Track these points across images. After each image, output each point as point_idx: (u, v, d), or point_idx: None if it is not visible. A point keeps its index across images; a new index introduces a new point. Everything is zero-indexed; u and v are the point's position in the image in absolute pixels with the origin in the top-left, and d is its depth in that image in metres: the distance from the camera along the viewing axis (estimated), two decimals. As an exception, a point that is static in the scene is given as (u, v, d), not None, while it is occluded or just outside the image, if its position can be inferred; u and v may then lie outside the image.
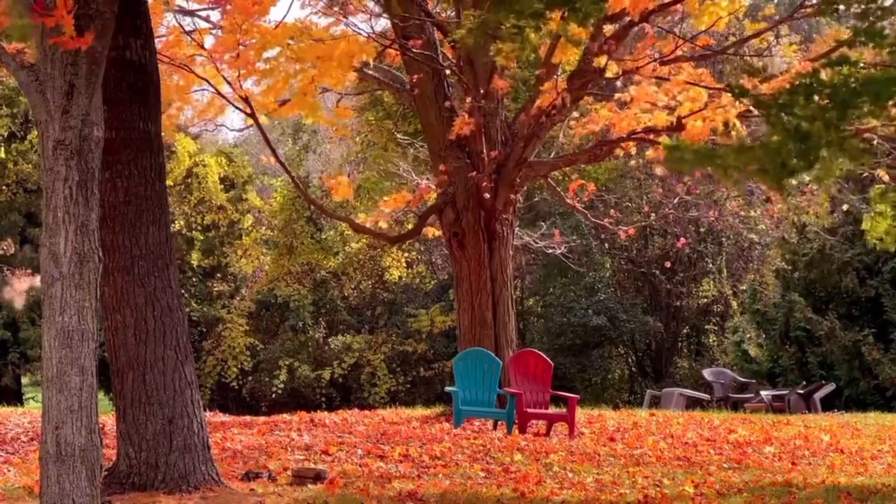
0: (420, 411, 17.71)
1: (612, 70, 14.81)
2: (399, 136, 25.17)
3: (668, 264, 29.28)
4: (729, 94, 14.30)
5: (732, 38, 19.86)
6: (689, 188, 22.30)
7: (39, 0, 6.74)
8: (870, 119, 6.10)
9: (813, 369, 25.71)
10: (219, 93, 14.53)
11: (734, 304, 32.74)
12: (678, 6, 14.76)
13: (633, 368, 34.15)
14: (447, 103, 16.19)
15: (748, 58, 16.60)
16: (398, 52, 16.41)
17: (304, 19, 14.98)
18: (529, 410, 14.58)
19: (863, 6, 6.00)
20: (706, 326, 33.95)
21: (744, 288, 31.51)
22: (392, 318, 33.71)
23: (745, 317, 29.77)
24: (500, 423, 14.66)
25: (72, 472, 6.85)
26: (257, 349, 32.37)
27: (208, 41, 14.31)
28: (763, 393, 23.47)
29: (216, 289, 33.72)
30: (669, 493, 9.83)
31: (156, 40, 10.42)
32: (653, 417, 17.13)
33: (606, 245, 32.51)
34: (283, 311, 32.98)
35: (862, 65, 5.92)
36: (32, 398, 37.45)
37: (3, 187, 32.29)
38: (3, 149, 31.57)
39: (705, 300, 33.24)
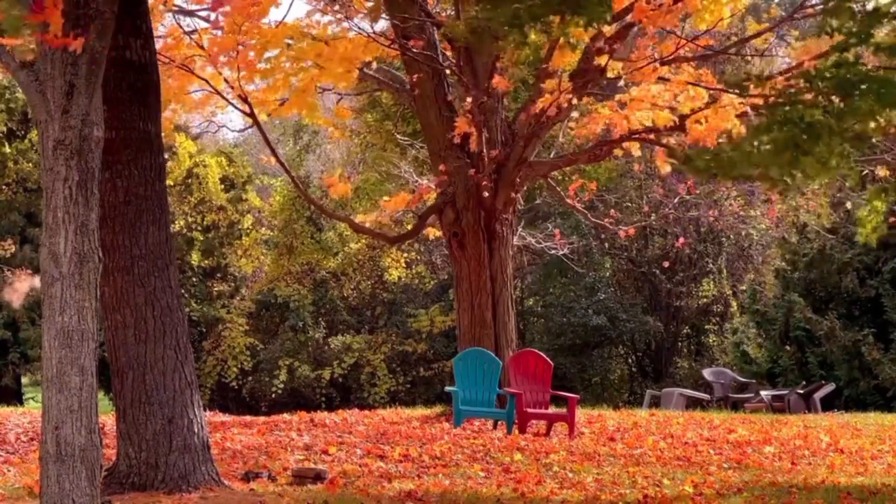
0: (420, 411, 17.71)
1: (613, 70, 14.81)
2: (399, 136, 25.18)
3: (667, 264, 29.28)
4: (729, 95, 14.32)
5: (734, 38, 19.85)
6: (689, 188, 22.29)
7: (38, 1, 6.73)
8: (869, 120, 6.10)
9: (813, 369, 25.70)
10: (218, 93, 14.52)
11: (734, 304, 32.75)
12: (679, 5, 14.75)
13: (633, 368, 34.16)
14: (448, 99, 16.19)
15: (749, 57, 16.60)
16: (398, 52, 16.41)
17: (304, 19, 14.98)
18: (529, 410, 14.58)
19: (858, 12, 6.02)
20: (706, 326, 33.95)
21: (744, 288, 31.51)
22: (392, 318, 33.72)
23: (744, 317, 29.76)
24: (500, 423, 14.66)
25: (72, 472, 6.85)
26: (257, 349, 32.38)
27: (208, 41, 14.29)
28: (763, 393, 23.47)
29: (216, 289, 33.73)
30: (669, 493, 9.83)
31: (155, 41, 10.42)
32: (653, 417, 17.13)
33: (606, 245, 32.51)
34: (283, 311, 32.99)
35: (862, 65, 5.93)
36: (32, 398, 37.44)
37: (3, 186, 32.28)
38: (6, 145, 31.52)
39: (705, 300, 33.24)
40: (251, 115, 14.39)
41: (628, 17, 14.53)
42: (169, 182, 28.07)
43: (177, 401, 9.15)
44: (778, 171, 5.92)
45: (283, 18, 13.67)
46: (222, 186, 34.03)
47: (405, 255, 33.80)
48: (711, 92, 14.80)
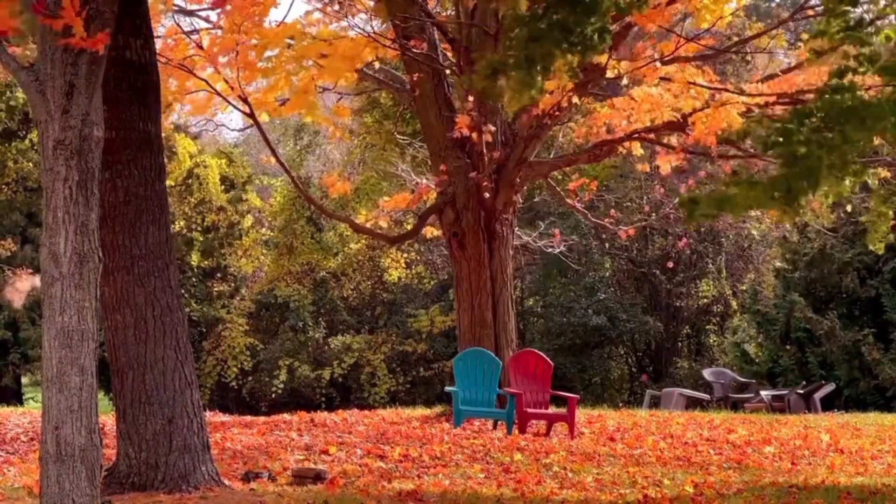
0: (420, 411, 17.71)
1: (613, 69, 14.81)
2: (398, 136, 25.18)
3: (669, 264, 29.27)
4: (730, 94, 14.33)
5: (734, 38, 19.85)
6: (689, 188, 22.26)
7: (41, 0, 6.74)
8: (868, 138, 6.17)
9: (813, 369, 25.70)
10: (218, 93, 14.52)
11: (734, 304, 32.74)
12: (677, 5, 14.76)
13: (633, 368, 34.15)
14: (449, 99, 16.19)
15: (749, 57, 16.62)
16: (398, 52, 16.41)
17: (304, 17, 14.98)
18: (529, 410, 14.58)
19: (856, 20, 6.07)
20: (706, 326, 33.95)
21: (744, 288, 31.51)
22: (392, 318, 33.72)
23: (745, 317, 29.76)
24: (500, 423, 14.65)
25: (72, 472, 6.85)
26: (257, 349, 32.38)
27: (208, 42, 14.30)
28: (763, 393, 23.46)
29: (216, 289, 33.73)
30: (669, 493, 9.83)
31: (155, 41, 10.42)
32: (653, 417, 17.12)
33: (606, 245, 32.50)
34: (283, 311, 33.00)
35: (859, 89, 5.99)
36: (32, 398, 37.44)
37: (3, 186, 32.28)
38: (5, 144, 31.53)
39: (705, 300, 33.24)
40: (251, 115, 14.39)
41: (628, 18, 14.52)
42: (169, 182, 28.07)
43: (177, 401, 9.15)
44: (778, 206, 6.02)
45: (284, 18, 13.67)
46: (222, 187, 34.04)
47: (405, 255, 33.79)
48: (712, 91, 14.81)
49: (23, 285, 26.26)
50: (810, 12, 15.97)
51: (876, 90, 6.29)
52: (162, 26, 14.76)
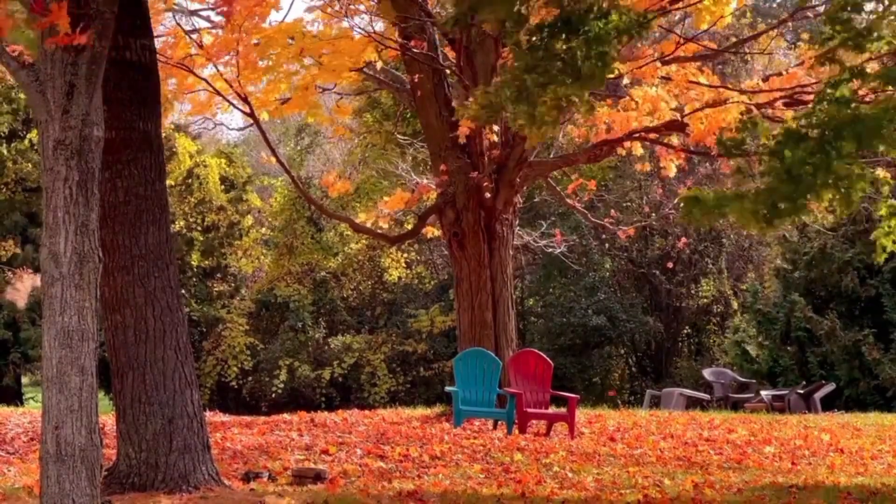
0: (420, 411, 17.71)
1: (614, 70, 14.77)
2: (398, 136, 25.19)
3: (669, 264, 29.26)
4: (731, 92, 14.33)
5: (733, 39, 19.85)
6: (689, 188, 22.24)
7: (39, 0, 6.74)
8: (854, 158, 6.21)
9: (813, 369, 25.70)
10: (218, 93, 14.52)
11: (734, 303, 32.74)
12: (679, 5, 14.75)
13: (633, 368, 34.16)
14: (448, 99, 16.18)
15: (749, 57, 16.61)
16: (398, 52, 16.40)
17: (306, 14, 15.00)
18: (529, 410, 14.57)
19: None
20: (706, 326, 33.95)
21: (744, 288, 31.50)
22: (392, 318, 33.73)
23: (745, 317, 29.74)
24: (500, 423, 14.65)
25: (72, 472, 6.85)
26: (257, 349, 32.39)
27: (208, 41, 14.29)
28: (763, 393, 23.46)
29: (216, 289, 33.74)
30: (669, 493, 9.83)
31: (155, 41, 10.42)
32: (653, 417, 17.12)
33: (606, 245, 32.51)
34: (283, 311, 33.00)
35: (856, 101, 6.02)
36: (32, 398, 37.44)
37: (3, 186, 32.28)
38: (4, 146, 31.53)
39: (705, 300, 33.24)
40: (251, 114, 14.39)
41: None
42: (169, 182, 28.09)
43: (177, 401, 9.14)
44: (759, 222, 6.06)
45: (284, 18, 13.67)
46: (222, 187, 34.05)
47: (405, 255, 33.81)
48: (712, 90, 14.80)
49: (25, 285, 26.28)
50: (810, 14, 15.96)
51: (872, 101, 6.31)
52: (162, 25, 14.77)
